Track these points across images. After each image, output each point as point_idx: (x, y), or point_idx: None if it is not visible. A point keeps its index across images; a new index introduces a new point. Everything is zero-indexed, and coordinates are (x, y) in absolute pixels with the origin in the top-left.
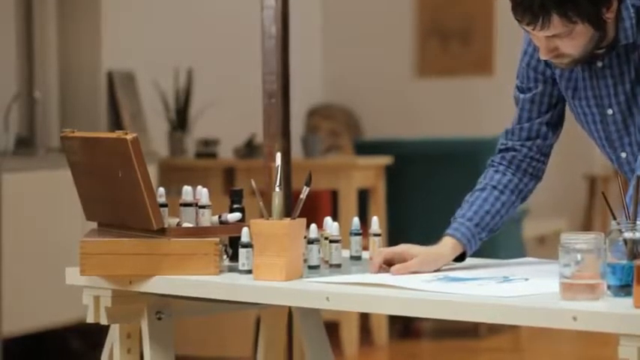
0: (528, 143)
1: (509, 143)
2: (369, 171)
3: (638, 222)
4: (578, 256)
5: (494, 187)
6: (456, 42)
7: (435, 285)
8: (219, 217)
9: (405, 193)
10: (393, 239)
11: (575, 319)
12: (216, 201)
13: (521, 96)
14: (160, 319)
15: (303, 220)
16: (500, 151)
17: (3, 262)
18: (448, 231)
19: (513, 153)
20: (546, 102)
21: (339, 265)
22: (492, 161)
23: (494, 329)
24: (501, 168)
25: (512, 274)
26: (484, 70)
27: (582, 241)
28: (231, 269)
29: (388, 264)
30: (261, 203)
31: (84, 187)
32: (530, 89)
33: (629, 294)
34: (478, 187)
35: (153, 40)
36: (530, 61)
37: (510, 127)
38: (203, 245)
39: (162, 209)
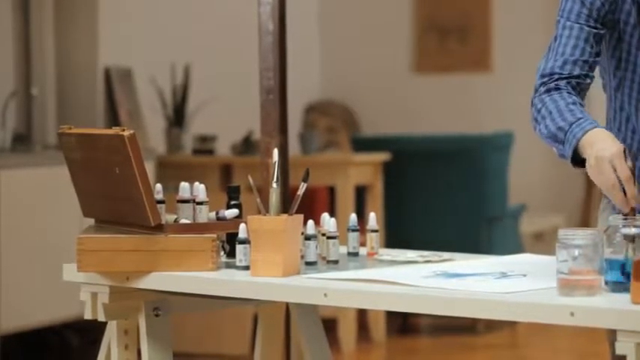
0: (590, 74)
1: (575, 72)
2: (367, 167)
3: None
4: (576, 252)
5: (582, 105)
6: (454, 39)
7: (433, 281)
8: (217, 213)
9: (403, 190)
10: (390, 236)
11: (572, 314)
12: (213, 197)
13: (586, 28)
14: (157, 315)
15: (301, 217)
16: (564, 78)
17: (1, 259)
18: (594, 125)
19: (578, 80)
20: (600, 44)
21: (336, 262)
22: (559, 85)
23: (491, 326)
24: (574, 92)
25: (510, 270)
26: (482, 66)
27: (580, 236)
28: (229, 265)
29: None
30: (258, 199)
31: (81, 183)
32: (597, 27)
33: (626, 290)
34: (569, 100)
35: (150, 37)
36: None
37: (572, 58)
38: (200, 241)
39: (159, 205)
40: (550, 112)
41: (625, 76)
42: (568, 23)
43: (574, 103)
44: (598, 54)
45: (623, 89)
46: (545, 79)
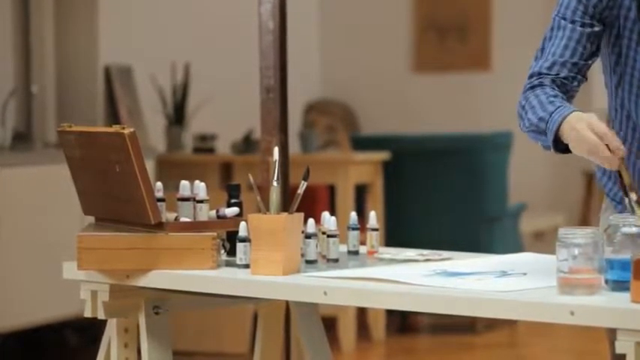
0: (579, 77)
1: (562, 73)
2: (367, 166)
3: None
4: (576, 251)
5: (564, 99)
6: (453, 37)
7: (433, 279)
8: (217, 211)
9: (402, 189)
10: (390, 234)
11: (572, 313)
12: (213, 196)
13: (579, 29)
14: (157, 313)
15: (301, 215)
16: (550, 77)
17: (1, 257)
18: (573, 109)
19: (564, 81)
20: (596, 44)
21: (336, 260)
22: (542, 82)
23: (491, 325)
24: (558, 90)
25: (510, 268)
26: (481, 65)
27: (580, 235)
28: (229, 264)
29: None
30: (258, 198)
31: (81, 181)
32: (592, 25)
33: (626, 289)
34: (551, 93)
35: (150, 35)
36: None
37: (561, 59)
38: (200, 240)
39: (159, 204)
40: (532, 107)
41: (625, 71)
42: (562, 22)
43: (555, 96)
44: (593, 54)
45: (623, 85)
46: (532, 79)
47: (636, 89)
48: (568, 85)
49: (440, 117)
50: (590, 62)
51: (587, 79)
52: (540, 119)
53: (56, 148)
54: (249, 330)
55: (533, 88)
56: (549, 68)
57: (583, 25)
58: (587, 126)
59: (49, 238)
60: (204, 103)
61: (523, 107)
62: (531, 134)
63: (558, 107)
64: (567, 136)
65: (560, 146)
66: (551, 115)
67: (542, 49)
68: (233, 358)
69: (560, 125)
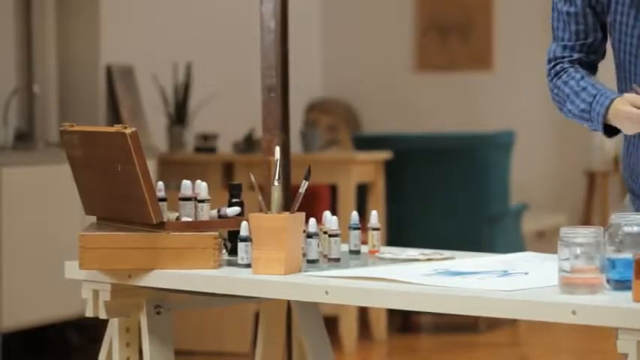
0: (592, 57)
1: (575, 55)
2: (368, 166)
3: (637, 216)
4: (578, 250)
5: (589, 75)
6: (455, 36)
7: (435, 279)
8: (219, 211)
9: (404, 188)
10: (391, 234)
11: (574, 313)
12: (215, 195)
13: (572, 10)
14: (159, 313)
15: (302, 214)
16: (566, 60)
17: (2, 257)
18: (611, 97)
19: (580, 60)
20: (599, 12)
21: (338, 259)
22: (563, 66)
23: (493, 324)
24: (580, 68)
25: (512, 268)
26: (483, 64)
27: (582, 235)
28: (230, 263)
29: None
30: (260, 197)
31: (83, 181)
32: (590, 2)
33: (628, 288)
34: (577, 76)
35: (152, 35)
36: None
37: (570, 43)
38: (202, 239)
39: (161, 203)
40: (567, 95)
41: (623, 57)
42: (559, 5)
43: (582, 79)
44: (603, 26)
45: (622, 73)
46: (552, 64)
47: (630, 56)
48: (586, 62)
49: (442, 116)
50: (598, 37)
51: (604, 54)
52: (582, 111)
53: (58, 148)
54: (250, 329)
55: (557, 74)
56: (562, 52)
57: (582, 1)
58: (629, 105)
59: (50, 237)
60: (205, 103)
61: (557, 95)
62: (576, 119)
63: (594, 96)
64: (617, 123)
65: (610, 129)
66: (591, 106)
67: (553, 32)
68: (234, 358)
69: (605, 117)
